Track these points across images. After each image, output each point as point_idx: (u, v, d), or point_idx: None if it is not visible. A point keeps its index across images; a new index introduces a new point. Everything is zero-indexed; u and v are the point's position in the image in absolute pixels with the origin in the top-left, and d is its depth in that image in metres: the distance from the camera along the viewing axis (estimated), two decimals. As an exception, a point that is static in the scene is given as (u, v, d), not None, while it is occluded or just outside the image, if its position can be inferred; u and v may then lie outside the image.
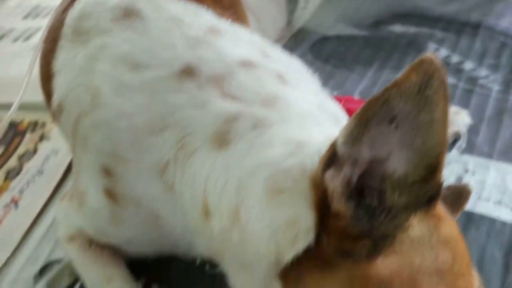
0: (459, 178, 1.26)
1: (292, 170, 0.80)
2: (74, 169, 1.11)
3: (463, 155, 1.33)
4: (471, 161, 1.31)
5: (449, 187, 1.07)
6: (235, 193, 0.83)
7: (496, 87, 1.52)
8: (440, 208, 0.81)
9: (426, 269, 0.74)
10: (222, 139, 0.86)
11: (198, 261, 1.14)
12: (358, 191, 0.74)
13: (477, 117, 1.42)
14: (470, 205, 1.14)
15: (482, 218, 1.17)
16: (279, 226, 0.79)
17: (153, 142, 0.90)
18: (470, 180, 1.25)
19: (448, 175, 1.27)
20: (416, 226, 0.76)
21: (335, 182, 0.72)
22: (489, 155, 1.32)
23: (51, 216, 1.32)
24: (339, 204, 0.73)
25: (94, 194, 0.99)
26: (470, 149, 1.34)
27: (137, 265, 1.09)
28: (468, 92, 1.51)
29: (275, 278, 0.81)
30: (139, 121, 0.91)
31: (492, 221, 1.17)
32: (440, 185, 0.77)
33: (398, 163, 0.71)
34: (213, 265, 1.11)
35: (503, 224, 1.16)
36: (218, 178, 0.85)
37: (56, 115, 1.14)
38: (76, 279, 1.15)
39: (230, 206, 0.83)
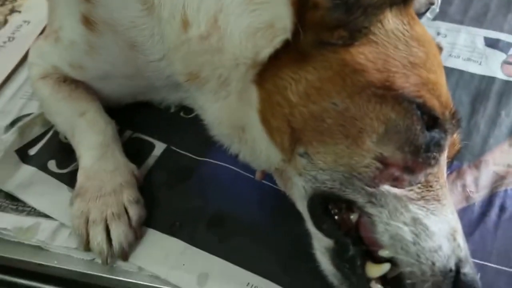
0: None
1: None
2: (49, 9, 1.08)
3: (435, 21, 1.35)
4: (443, 26, 1.34)
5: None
6: (214, 1, 0.82)
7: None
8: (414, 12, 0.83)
9: (400, 60, 0.76)
10: None
11: (172, 108, 1.15)
12: None
13: (451, -9, 1.44)
14: (441, 61, 1.16)
15: (452, 70, 1.20)
16: (257, 28, 0.80)
17: None
18: (442, 41, 1.27)
19: (421, 38, 1.29)
20: (391, 20, 0.78)
21: None
22: (461, 22, 1.35)
23: (22, 76, 1.30)
24: None
25: (71, 25, 0.97)
26: (442, 16, 1.36)
27: (110, 113, 1.07)
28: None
29: (252, 83, 0.82)
30: None
31: (461, 72, 1.21)
32: (417, -16, 0.79)
33: None
34: (187, 110, 1.13)
35: (472, 75, 1.20)
36: None
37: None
38: (48, 130, 1.14)
39: (208, 14, 0.83)
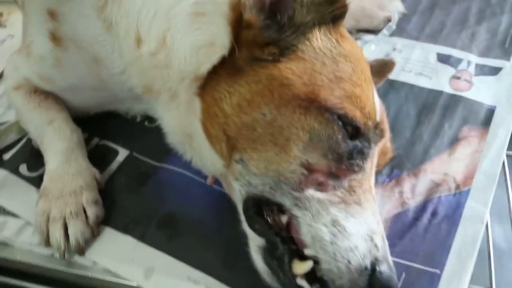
0: (387, 55, 1.35)
1: None
2: (23, 26, 1.18)
3: (393, 37, 1.43)
4: (400, 42, 1.41)
5: (376, 60, 1.18)
6: (163, 20, 0.92)
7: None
8: (345, 30, 0.91)
9: (326, 74, 0.84)
10: None
11: (138, 118, 1.23)
12: (271, 11, 0.84)
13: (411, 9, 1.51)
14: (394, 75, 1.24)
15: (403, 84, 1.28)
16: (200, 45, 0.89)
17: None
18: (396, 56, 1.34)
19: (377, 53, 1.37)
20: (320, 39, 0.86)
21: None
22: (417, 38, 1.42)
23: (1, 88, 1.38)
24: (250, 14, 0.84)
25: (40, 41, 1.06)
26: (400, 33, 1.44)
27: (80, 122, 1.16)
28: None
29: (195, 95, 0.91)
30: None
31: (411, 86, 1.28)
32: (345, 6, 0.87)
33: None
34: (151, 120, 1.20)
35: (421, 89, 1.27)
36: (150, 8, 0.93)
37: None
38: (22, 137, 1.23)
39: (158, 33, 0.92)
